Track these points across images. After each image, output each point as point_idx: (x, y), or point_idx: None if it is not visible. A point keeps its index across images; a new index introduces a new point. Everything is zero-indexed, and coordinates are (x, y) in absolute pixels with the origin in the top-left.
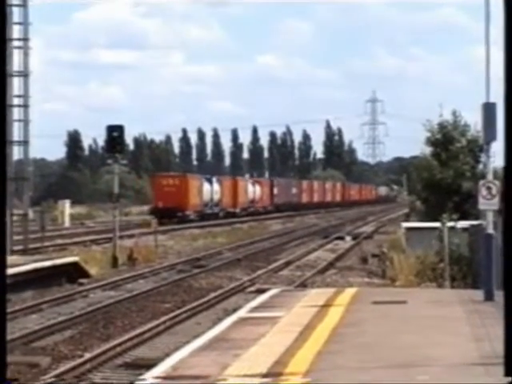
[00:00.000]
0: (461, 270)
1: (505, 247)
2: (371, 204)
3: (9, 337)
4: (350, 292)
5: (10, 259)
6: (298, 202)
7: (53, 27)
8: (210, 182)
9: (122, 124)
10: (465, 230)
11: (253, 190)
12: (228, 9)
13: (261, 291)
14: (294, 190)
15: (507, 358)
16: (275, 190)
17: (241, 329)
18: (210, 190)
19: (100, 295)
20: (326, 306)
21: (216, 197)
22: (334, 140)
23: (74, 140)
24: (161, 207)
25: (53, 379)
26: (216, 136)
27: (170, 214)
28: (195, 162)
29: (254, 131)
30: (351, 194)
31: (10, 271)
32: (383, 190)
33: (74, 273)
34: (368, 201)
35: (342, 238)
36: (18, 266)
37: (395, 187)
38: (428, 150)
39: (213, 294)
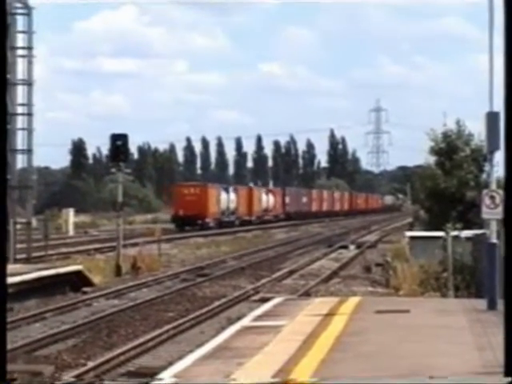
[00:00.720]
0: (464, 280)
1: (506, 255)
2: (377, 213)
3: (12, 345)
4: (353, 301)
5: (14, 268)
6: (309, 210)
7: (57, 35)
8: (226, 191)
9: (125, 133)
10: (468, 239)
11: (266, 199)
12: (232, 17)
13: (264, 300)
14: (305, 199)
15: (507, 358)
16: (287, 199)
17: (244, 337)
18: (227, 199)
19: (103, 304)
20: (330, 314)
21: (232, 205)
22: (337, 149)
23: (78, 148)
24: (182, 215)
25: None
26: (220, 145)
27: (190, 222)
28: (199, 171)
29: (258, 140)
30: (358, 203)
31: (14, 280)
32: (389, 199)
33: (77, 281)
34: (374, 210)
35: (345, 247)
36: (21, 274)
37: (400, 196)
38: (432, 159)
39: (217, 303)
